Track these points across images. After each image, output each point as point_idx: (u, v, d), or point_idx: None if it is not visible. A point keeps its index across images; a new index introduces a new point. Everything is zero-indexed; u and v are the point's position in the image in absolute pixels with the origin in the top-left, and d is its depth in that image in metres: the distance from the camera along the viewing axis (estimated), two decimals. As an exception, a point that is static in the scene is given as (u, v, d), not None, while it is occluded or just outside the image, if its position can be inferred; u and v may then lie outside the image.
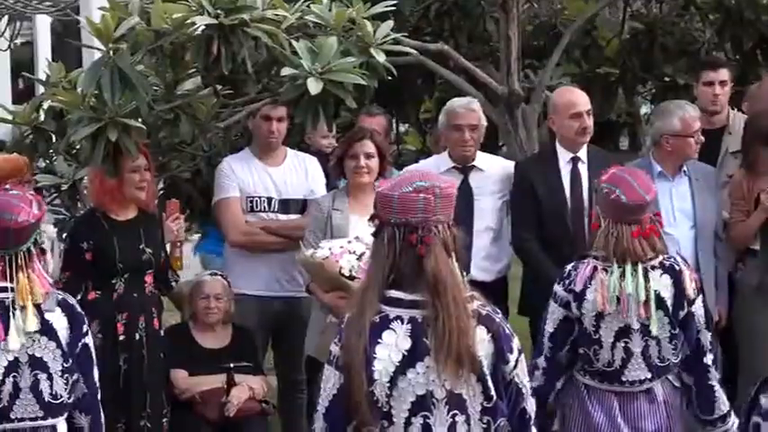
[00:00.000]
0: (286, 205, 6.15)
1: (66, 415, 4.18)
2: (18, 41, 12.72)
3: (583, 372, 4.70)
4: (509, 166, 6.28)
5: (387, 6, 5.37)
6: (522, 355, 3.36)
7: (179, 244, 5.89)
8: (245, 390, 6.00)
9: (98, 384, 4.28)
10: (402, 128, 9.59)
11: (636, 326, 4.60)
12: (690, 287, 4.64)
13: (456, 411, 3.22)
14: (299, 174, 6.24)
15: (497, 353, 3.26)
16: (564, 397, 4.76)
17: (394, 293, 3.24)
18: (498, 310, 3.36)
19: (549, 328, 4.63)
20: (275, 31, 5.13)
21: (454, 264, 3.27)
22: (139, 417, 5.54)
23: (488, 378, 3.23)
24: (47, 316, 4.10)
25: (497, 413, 3.26)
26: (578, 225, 5.89)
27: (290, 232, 5.95)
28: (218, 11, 4.96)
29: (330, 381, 3.29)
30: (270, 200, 6.14)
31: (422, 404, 3.21)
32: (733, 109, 6.59)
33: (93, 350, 4.25)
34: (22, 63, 12.54)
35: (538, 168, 6.09)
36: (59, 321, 4.13)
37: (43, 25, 12.63)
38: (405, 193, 3.25)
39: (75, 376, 4.15)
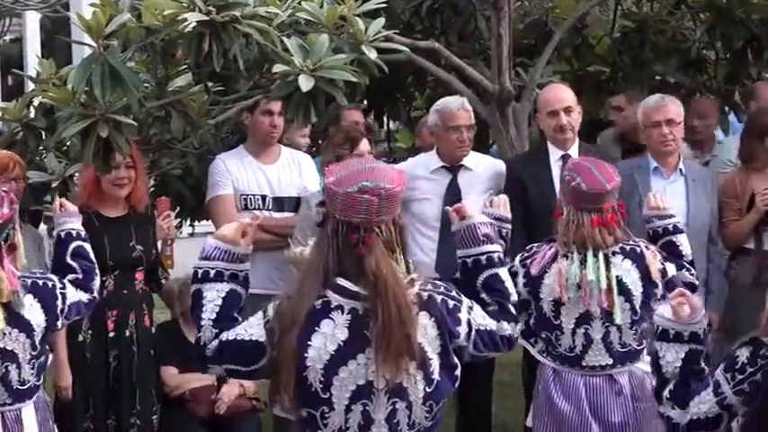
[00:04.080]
0: (280, 203, 6.14)
1: (34, 398, 4.33)
2: (7, 38, 12.69)
3: (546, 353, 4.78)
4: (497, 164, 6.29)
5: (378, 4, 5.37)
6: (475, 305, 3.42)
7: (170, 242, 5.88)
8: (235, 387, 6.00)
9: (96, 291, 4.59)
10: (393, 125, 9.57)
11: (597, 313, 4.64)
12: (654, 269, 4.67)
13: (396, 399, 3.27)
14: (292, 171, 6.23)
15: (444, 333, 3.31)
16: (536, 390, 4.83)
17: (341, 282, 3.27)
18: (439, 283, 3.39)
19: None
20: (267, 27, 5.11)
21: (399, 259, 3.30)
22: (129, 413, 5.54)
23: (432, 362, 3.28)
24: (19, 310, 4.19)
25: (440, 395, 3.32)
26: (554, 221, 5.90)
27: (283, 230, 5.94)
28: (210, 7, 4.95)
29: (250, 330, 3.31)
30: (264, 197, 6.13)
31: (362, 393, 3.26)
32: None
33: (74, 288, 4.46)
34: (11, 59, 12.51)
35: (528, 166, 6.10)
36: (32, 311, 4.26)
37: (32, 22, 12.61)
38: (349, 193, 3.25)
39: (42, 358, 4.32)
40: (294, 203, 6.14)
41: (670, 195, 5.95)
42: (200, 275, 3.44)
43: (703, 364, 3.52)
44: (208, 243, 3.47)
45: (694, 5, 7.61)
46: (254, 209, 6.10)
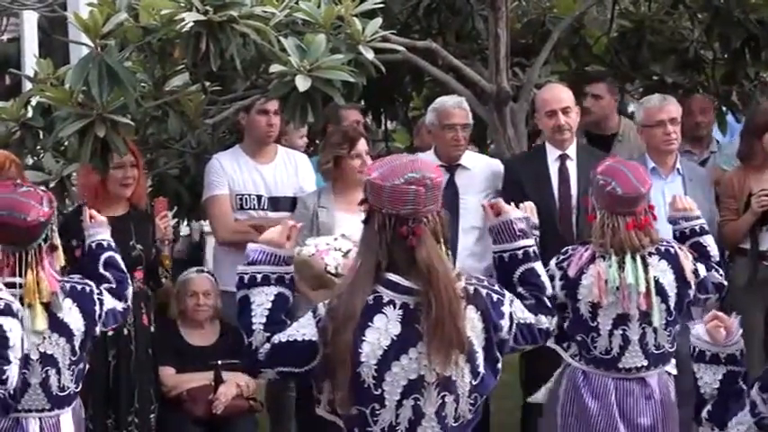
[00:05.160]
0: (276, 203, 6.13)
1: (73, 405, 4.30)
2: (4, 37, 12.66)
3: (579, 357, 4.75)
4: (495, 164, 6.29)
5: (375, 4, 5.37)
6: (515, 299, 3.47)
7: (167, 242, 5.88)
8: (232, 387, 6.00)
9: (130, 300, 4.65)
10: (390, 125, 9.56)
11: (635, 315, 4.63)
12: (688, 270, 4.67)
13: (445, 393, 3.28)
14: (288, 171, 6.22)
15: (489, 327, 3.33)
16: (562, 392, 4.80)
17: (392, 277, 3.27)
18: (482, 278, 3.43)
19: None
20: (264, 27, 5.12)
21: (443, 250, 3.31)
22: (128, 412, 5.55)
23: (478, 355, 3.30)
24: (58, 313, 4.17)
25: (485, 388, 3.34)
26: (566, 223, 5.90)
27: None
28: (207, 7, 4.95)
29: (302, 330, 3.30)
30: (259, 197, 6.13)
31: (413, 387, 3.26)
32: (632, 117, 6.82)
33: (110, 296, 4.49)
34: (9, 59, 12.47)
35: (526, 166, 6.11)
36: (72, 315, 4.24)
37: (30, 21, 12.58)
38: (396, 185, 3.25)
39: (81, 365, 4.29)
40: (290, 203, 6.13)
41: (668, 196, 5.98)
42: (246, 280, 3.42)
43: (742, 384, 3.52)
44: (252, 248, 3.44)
45: (692, 5, 7.61)
46: (250, 209, 6.10)
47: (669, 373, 4.77)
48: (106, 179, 5.52)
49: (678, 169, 6.12)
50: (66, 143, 5.58)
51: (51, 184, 5.72)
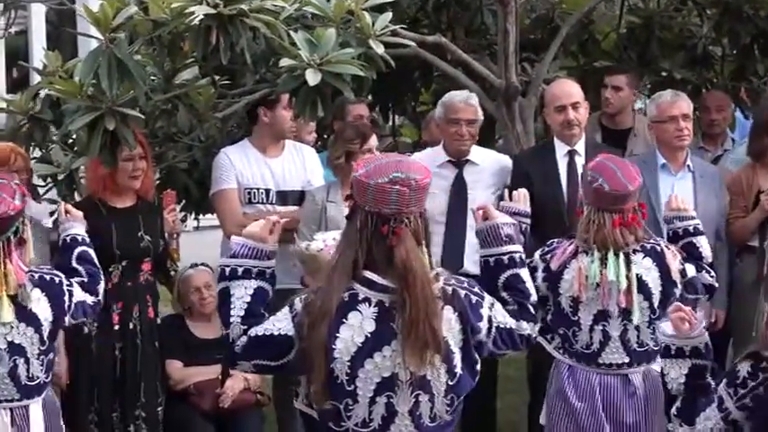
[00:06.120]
0: (284, 197, 6.12)
1: (43, 395, 4.34)
2: (12, 30, 12.66)
3: (563, 351, 4.77)
4: (504, 159, 6.28)
5: (385, -2, 5.36)
6: (496, 303, 3.47)
7: (175, 235, 5.88)
8: (239, 380, 6.00)
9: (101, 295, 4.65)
10: (398, 120, 9.56)
11: (615, 311, 4.63)
12: (674, 269, 4.66)
13: (419, 392, 3.31)
14: (296, 164, 6.21)
15: (466, 328, 3.35)
16: (549, 388, 4.82)
17: (368, 275, 3.29)
18: (462, 279, 3.44)
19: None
20: (274, 21, 5.11)
21: (424, 252, 3.33)
22: (134, 406, 5.54)
23: (455, 356, 3.32)
24: (26, 304, 4.22)
25: (462, 389, 3.36)
26: (575, 219, 5.88)
27: (288, 224, 5.93)
28: (217, 0, 4.95)
29: (278, 324, 3.33)
30: (268, 191, 6.11)
31: (386, 385, 3.29)
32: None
33: (80, 288, 4.50)
34: (17, 52, 12.49)
35: (535, 162, 6.09)
36: (40, 305, 4.29)
37: (38, 14, 12.60)
38: (380, 184, 3.27)
39: (50, 355, 4.34)
40: (298, 197, 6.13)
41: (678, 192, 5.98)
42: (227, 273, 3.45)
43: (709, 379, 3.51)
44: (235, 241, 3.48)
45: (701, 1, 7.61)
46: (258, 203, 6.09)
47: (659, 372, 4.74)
48: (115, 171, 5.52)
49: (689, 166, 6.11)
50: (75, 136, 5.58)
51: (60, 177, 5.73)
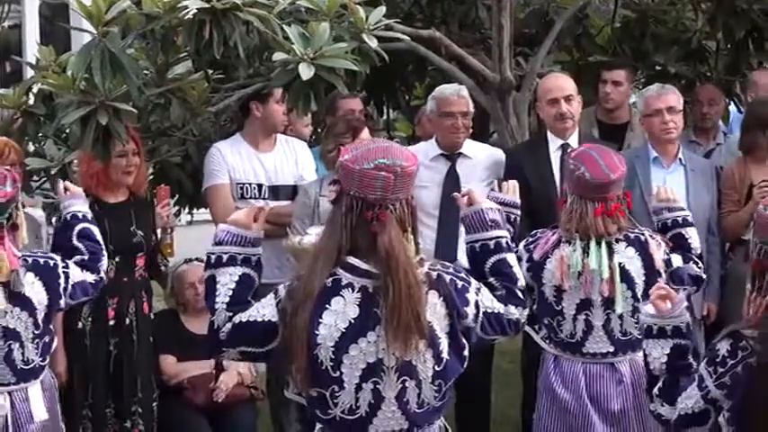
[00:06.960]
0: (276, 191, 6.11)
1: (41, 377, 4.35)
2: (5, 24, 12.64)
3: (548, 340, 4.79)
4: (497, 153, 6.28)
5: (379, -8, 5.36)
6: (483, 288, 3.47)
7: (170, 230, 5.88)
8: (233, 375, 6.00)
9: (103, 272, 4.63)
10: (392, 114, 9.56)
11: (597, 300, 4.63)
12: (658, 259, 4.66)
13: (406, 377, 3.31)
14: (288, 159, 6.20)
15: (452, 313, 3.35)
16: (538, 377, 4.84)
17: (351, 260, 3.30)
18: (448, 264, 3.43)
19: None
20: (267, 15, 5.10)
21: (410, 239, 3.33)
22: (131, 401, 5.54)
23: (441, 341, 3.31)
24: (19, 289, 4.24)
25: (450, 374, 3.36)
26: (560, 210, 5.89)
27: (279, 219, 5.93)
28: (211, -6, 4.94)
29: (263, 310, 3.33)
30: (260, 186, 6.10)
31: (372, 371, 3.29)
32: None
33: (80, 269, 4.50)
34: (10, 46, 12.46)
35: (528, 155, 6.09)
36: (33, 289, 4.31)
37: (31, 8, 12.57)
38: (365, 170, 3.27)
39: (46, 338, 4.37)
40: (290, 192, 6.12)
41: (669, 185, 5.97)
42: (213, 261, 3.45)
43: (691, 359, 3.51)
44: (220, 228, 3.48)
45: (695, -5, 7.61)
46: (251, 198, 6.07)
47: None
48: (108, 167, 5.52)
49: (680, 159, 6.11)
50: (68, 130, 5.57)
51: (53, 171, 5.72)
